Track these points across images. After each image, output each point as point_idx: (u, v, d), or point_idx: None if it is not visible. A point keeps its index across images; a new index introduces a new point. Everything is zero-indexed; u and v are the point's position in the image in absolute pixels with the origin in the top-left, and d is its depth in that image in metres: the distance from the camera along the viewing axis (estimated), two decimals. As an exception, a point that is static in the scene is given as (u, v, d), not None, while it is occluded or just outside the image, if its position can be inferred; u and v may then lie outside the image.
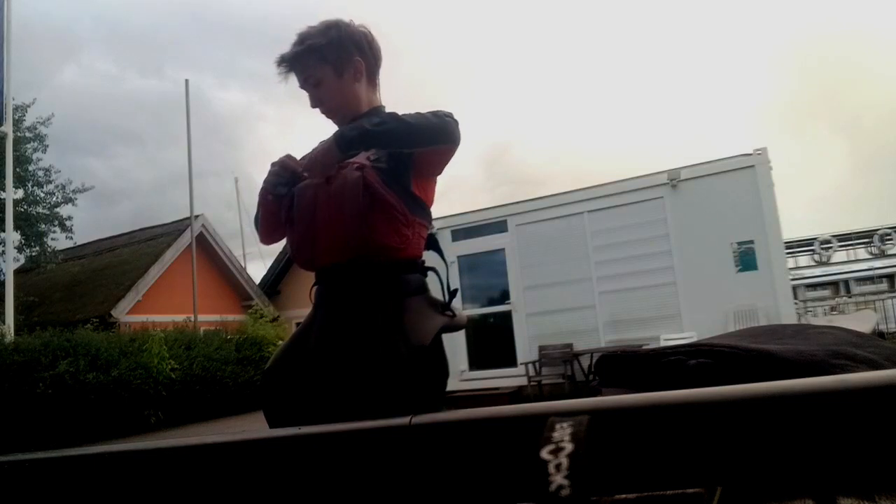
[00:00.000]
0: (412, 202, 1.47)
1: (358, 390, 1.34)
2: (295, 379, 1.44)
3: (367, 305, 1.41)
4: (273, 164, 1.49)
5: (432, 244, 1.57)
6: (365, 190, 1.39)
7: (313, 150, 1.47)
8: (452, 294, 1.57)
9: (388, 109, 1.60)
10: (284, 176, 1.47)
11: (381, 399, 1.31)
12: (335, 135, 1.40)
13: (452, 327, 1.50)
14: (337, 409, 1.35)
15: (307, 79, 1.55)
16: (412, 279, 1.48)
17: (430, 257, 1.57)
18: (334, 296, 1.46)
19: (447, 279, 1.58)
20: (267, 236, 1.62)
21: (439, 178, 1.59)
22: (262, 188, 1.52)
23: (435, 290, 1.54)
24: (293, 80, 1.57)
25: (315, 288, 1.52)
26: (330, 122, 1.62)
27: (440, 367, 1.44)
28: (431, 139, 1.44)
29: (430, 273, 1.54)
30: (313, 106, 1.59)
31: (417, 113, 1.43)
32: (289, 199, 1.50)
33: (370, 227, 1.39)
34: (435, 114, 1.44)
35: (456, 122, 1.46)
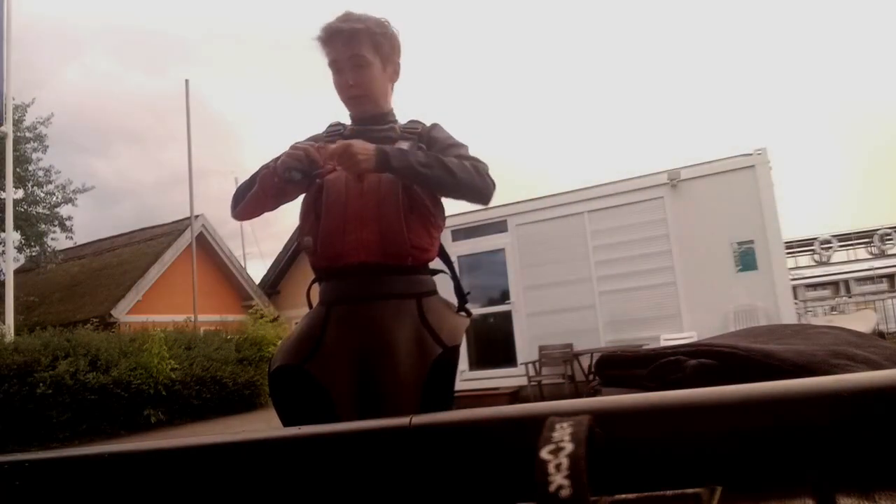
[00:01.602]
0: (436, 204, 1.48)
1: (388, 389, 1.33)
2: (315, 377, 1.38)
3: (392, 304, 1.40)
4: (294, 148, 1.39)
5: (439, 249, 1.58)
6: (403, 190, 1.39)
7: (345, 142, 1.38)
8: (465, 296, 1.60)
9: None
10: (304, 164, 1.38)
11: (411, 396, 1.32)
12: (379, 151, 1.35)
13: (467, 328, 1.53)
14: (363, 407, 1.34)
15: (354, 57, 1.50)
16: (429, 280, 1.49)
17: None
18: (357, 292, 1.42)
19: (457, 282, 1.60)
20: (246, 213, 1.55)
21: None
22: (272, 168, 1.43)
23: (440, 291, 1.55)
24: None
25: (324, 284, 1.47)
26: (335, 112, 1.61)
27: (457, 366, 1.46)
28: (468, 197, 1.45)
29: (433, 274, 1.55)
30: (345, 84, 1.52)
31: (461, 162, 1.41)
32: (314, 190, 1.44)
33: (409, 227, 1.39)
34: (478, 169, 1.43)
35: (495, 185, 1.46)
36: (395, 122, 1.60)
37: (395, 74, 1.59)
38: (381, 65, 1.53)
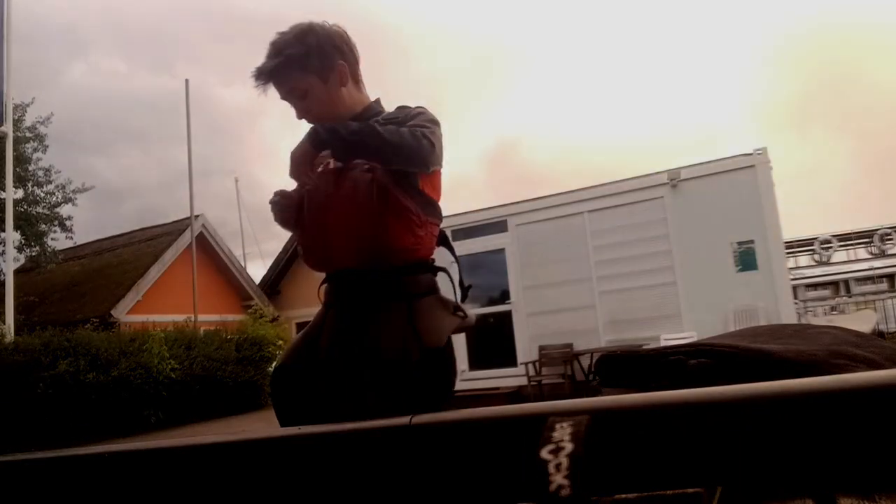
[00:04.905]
0: (423, 201, 1.45)
1: (372, 392, 1.33)
2: (307, 379, 1.43)
3: (380, 307, 1.40)
4: (275, 211, 1.53)
5: (443, 240, 1.57)
6: (378, 192, 1.37)
7: (292, 154, 1.42)
8: (466, 291, 1.58)
9: (392, 106, 1.58)
10: (291, 208, 1.52)
11: (396, 401, 1.31)
12: (309, 134, 1.36)
13: (463, 327, 1.50)
14: (350, 410, 1.35)
15: (291, 91, 1.50)
16: (423, 279, 1.47)
17: (436, 253, 1.56)
18: (347, 297, 1.45)
19: (459, 277, 1.59)
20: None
21: (443, 176, 1.58)
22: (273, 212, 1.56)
23: (444, 288, 1.54)
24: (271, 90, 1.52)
25: (325, 286, 1.51)
26: None
27: (450, 367, 1.44)
28: (403, 161, 1.37)
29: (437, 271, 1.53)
30: (300, 117, 1.53)
31: (398, 128, 1.36)
32: (299, 200, 1.50)
33: (385, 229, 1.37)
34: (413, 133, 1.35)
35: (432, 145, 1.36)
36: (378, 113, 1.56)
37: (344, 77, 1.52)
38: (319, 81, 1.48)
